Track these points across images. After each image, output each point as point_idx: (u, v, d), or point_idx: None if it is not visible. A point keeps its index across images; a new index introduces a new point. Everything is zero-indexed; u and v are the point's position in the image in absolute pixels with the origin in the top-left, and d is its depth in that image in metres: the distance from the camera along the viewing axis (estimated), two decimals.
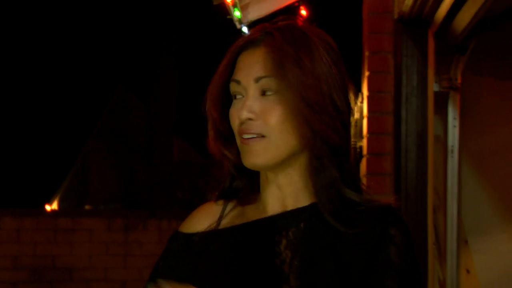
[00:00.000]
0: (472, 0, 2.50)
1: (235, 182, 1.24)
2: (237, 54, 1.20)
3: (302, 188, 1.19)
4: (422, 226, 2.68)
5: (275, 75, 1.15)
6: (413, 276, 1.14)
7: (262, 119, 1.15)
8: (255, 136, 1.15)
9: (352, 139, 2.82)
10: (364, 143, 2.84)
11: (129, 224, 6.60)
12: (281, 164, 1.17)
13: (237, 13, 3.26)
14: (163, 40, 10.69)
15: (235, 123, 1.18)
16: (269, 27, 1.20)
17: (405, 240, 1.15)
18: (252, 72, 1.17)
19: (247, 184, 1.24)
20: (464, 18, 2.63)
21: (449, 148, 2.84)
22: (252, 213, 1.22)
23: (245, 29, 3.28)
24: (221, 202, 1.25)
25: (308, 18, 3.55)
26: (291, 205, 1.19)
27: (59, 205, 15.65)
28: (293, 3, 3.40)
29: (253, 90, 1.17)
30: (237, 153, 1.20)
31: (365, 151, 2.82)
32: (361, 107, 2.89)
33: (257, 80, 1.16)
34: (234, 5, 3.23)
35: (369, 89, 2.83)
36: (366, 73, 2.85)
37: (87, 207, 11.73)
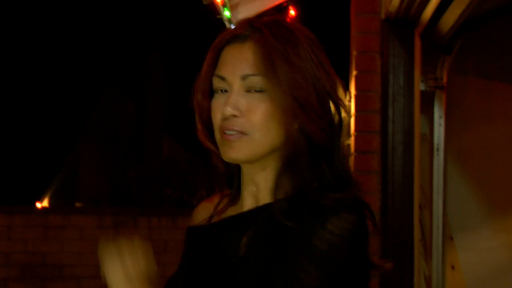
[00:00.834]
0: (457, 1, 2.51)
1: (224, 175, 1.23)
2: (221, 48, 1.17)
3: (275, 185, 1.17)
4: (408, 223, 2.69)
5: (263, 73, 1.12)
6: (333, 260, 1.07)
7: (246, 117, 1.13)
8: (236, 133, 1.13)
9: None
10: (351, 141, 2.84)
11: (119, 221, 6.56)
12: (260, 160, 1.16)
13: (226, 13, 3.26)
14: (152, 40, 10.66)
15: (216, 117, 1.16)
16: (256, 22, 1.16)
17: (338, 236, 1.08)
18: (238, 69, 1.14)
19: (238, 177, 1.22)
20: (450, 19, 2.64)
21: (435, 146, 2.85)
22: (232, 209, 1.22)
23: None
24: (218, 197, 1.26)
25: (297, 18, 3.56)
26: (262, 200, 1.18)
27: (50, 202, 15.59)
28: (282, 3, 3.40)
29: (238, 86, 1.14)
30: (216, 146, 1.19)
31: (352, 149, 2.82)
32: (349, 105, 2.90)
33: (244, 77, 1.13)
34: (224, 5, 3.22)
35: (357, 88, 2.84)
36: (354, 72, 2.86)
37: (77, 204, 11.70)
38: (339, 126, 1.17)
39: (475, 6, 2.49)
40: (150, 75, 10.70)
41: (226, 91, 1.15)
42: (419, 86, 2.81)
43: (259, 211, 1.16)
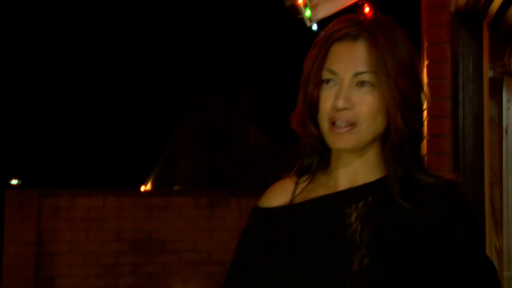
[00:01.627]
0: None
1: (308, 159, 1.22)
2: (331, 44, 1.17)
3: (373, 166, 1.18)
4: (479, 200, 2.62)
5: (375, 70, 1.13)
6: (482, 250, 1.13)
7: (356, 109, 1.14)
8: (346, 123, 1.14)
9: None
10: (424, 125, 2.78)
11: (213, 202, 6.69)
12: (362, 147, 1.17)
13: (307, 12, 3.25)
14: (239, 38, 10.73)
15: (325, 107, 1.16)
16: (365, 22, 1.17)
17: (473, 216, 1.14)
18: (351, 66, 1.14)
19: (319, 161, 1.22)
20: None
21: (504, 128, 2.76)
22: (323, 189, 1.20)
23: (315, 27, 3.26)
24: (294, 179, 1.24)
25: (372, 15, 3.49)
26: (361, 181, 1.18)
27: (153, 186, 16.00)
28: (358, 1, 3.35)
29: (349, 81, 1.14)
30: (318, 131, 1.18)
31: (425, 133, 2.77)
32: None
33: (357, 74, 1.14)
34: (305, 5, 3.22)
35: (429, 77, 2.78)
36: (426, 62, 2.81)
37: (176, 187, 11.95)
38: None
39: None
40: (237, 72, 10.77)
41: (336, 83, 1.16)
42: (488, 73, 2.72)
43: (368, 186, 1.15)
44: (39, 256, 6.03)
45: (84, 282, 6.19)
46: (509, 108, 2.76)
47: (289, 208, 1.20)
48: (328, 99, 1.16)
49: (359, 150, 1.17)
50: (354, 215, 1.13)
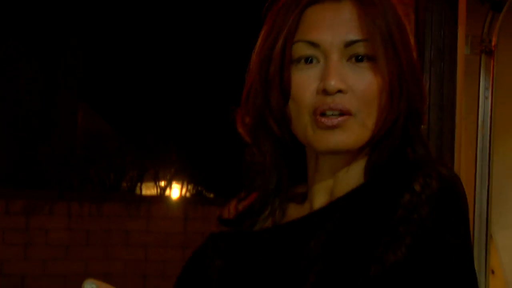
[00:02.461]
0: None
1: (268, 178, 1.20)
2: (303, 8, 1.14)
3: (358, 170, 1.16)
4: None
5: (374, 38, 1.11)
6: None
7: (351, 92, 1.10)
8: (339, 113, 1.10)
9: None
10: None
11: (32, 207, 6.51)
12: (357, 147, 1.15)
13: None
14: None
15: (305, 95, 1.12)
16: None
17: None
18: (339, 33, 1.12)
19: (285, 179, 1.21)
20: None
21: (479, 123, 2.78)
22: (294, 209, 1.20)
23: None
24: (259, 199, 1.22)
25: None
26: (338, 194, 1.15)
27: None
28: None
29: (338, 55, 1.11)
30: (286, 132, 1.16)
31: None
32: None
33: (348, 44, 1.11)
34: None
35: None
36: None
37: None
38: None
39: None
40: (62, 30, 10.42)
41: (312, 61, 1.12)
42: (464, 49, 2.71)
43: (339, 201, 1.13)
44: None
45: None
46: (487, 98, 2.77)
47: (247, 235, 1.20)
48: (308, 83, 1.12)
49: (351, 153, 1.14)
50: (312, 244, 1.11)
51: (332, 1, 1.13)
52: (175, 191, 8.23)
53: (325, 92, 1.10)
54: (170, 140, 8.47)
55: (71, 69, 10.36)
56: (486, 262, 2.73)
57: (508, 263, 2.84)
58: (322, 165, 1.16)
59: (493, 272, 2.85)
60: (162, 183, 8.03)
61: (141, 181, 7.94)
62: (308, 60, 1.12)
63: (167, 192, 8.09)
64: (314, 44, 1.12)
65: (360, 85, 1.11)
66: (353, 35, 1.11)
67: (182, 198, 7.80)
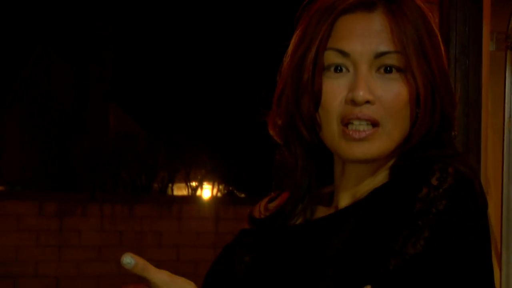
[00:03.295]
0: None
1: (299, 181, 1.23)
2: (336, 16, 1.16)
3: (383, 176, 1.19)
4: None
5: (402, 50, 1.13)
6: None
7: (379, 103, 1.13)
8: (367, 123, 1.14)
9: None
10: None
11: (65, 209, 6.54)
12: (384, 156, 1.18)
13: None
14: None
15: (333, 103, 1.14)
16: None
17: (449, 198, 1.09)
18: (369, 43, 1.14)
19: (314, 182, 1.24)
20: None
21: (506, 119, 2.76)
22: (322, 211, 1.23)
23: None
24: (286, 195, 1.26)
25: None
26: (362, 196, 1.18)
27: None
28: None
29: (368, 65, 1.14)
30: (316, 137, 1.19)
31: None
32: None
33: (379, 55, 1.13)
34: None
35: None
36: None
37: (0, 188, 11.44)
38: None
39: None
40: (93, 33, 10.51)
41: (341, 69, 1.15)
42: (489, 45, 2.70)
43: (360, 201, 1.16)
44: None
45: None
46: None
47: (278, 230, 1.22)
48: (338, 92, 1.15)
49: (378, 162, 1.17)
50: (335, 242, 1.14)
51: (364, 11, 1.15)
52: (206, 191, 8.27)
53: (353, 102, 1.12)
54: (200, 141, 8.52)
55: (102, 71, 10.46)
56: None
57: None
58: (349, 171, 1.19)
59: None
60: (193, 184, 8.07)
61: (172, 182, 7.99)
62: (338, 68, 1.15)
63: (198, 192, 8.13)
64: (344, 53, 1.14)
65: (388, 96, 1.13)
66: (384, 47, 1.14)
67: (214, 198, 7.83)
